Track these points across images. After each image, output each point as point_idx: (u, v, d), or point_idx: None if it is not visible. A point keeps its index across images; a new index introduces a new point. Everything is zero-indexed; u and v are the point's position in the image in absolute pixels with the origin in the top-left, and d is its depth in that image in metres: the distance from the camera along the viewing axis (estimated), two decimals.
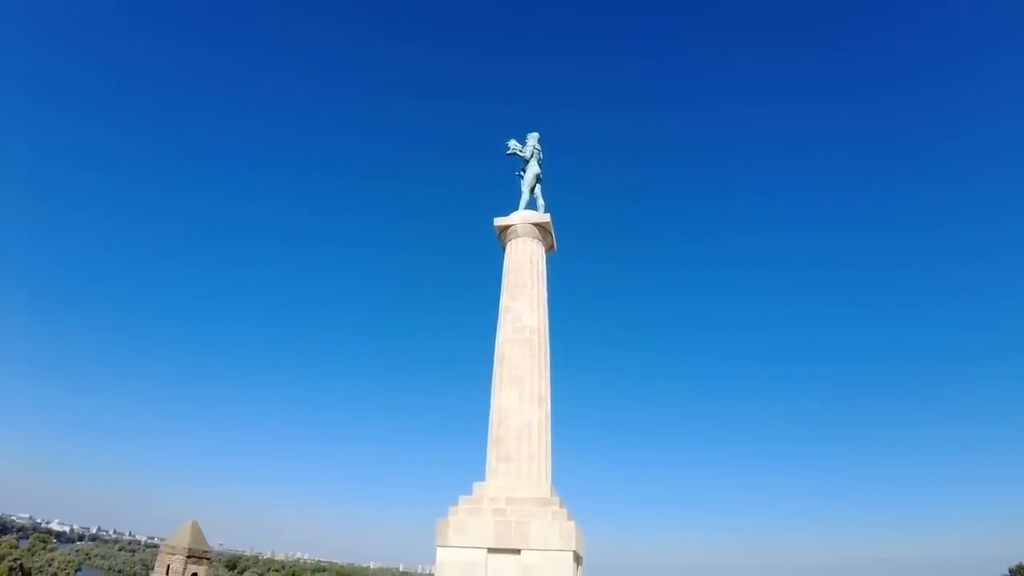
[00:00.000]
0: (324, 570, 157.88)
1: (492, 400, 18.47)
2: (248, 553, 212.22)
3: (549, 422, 18.26)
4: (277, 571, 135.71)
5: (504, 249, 20.80)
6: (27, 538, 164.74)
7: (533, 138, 22.16)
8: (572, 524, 15.90)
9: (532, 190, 21.55)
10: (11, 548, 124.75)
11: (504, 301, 19.59)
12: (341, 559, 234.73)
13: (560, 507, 16.51)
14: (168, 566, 27.37)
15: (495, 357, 19.02)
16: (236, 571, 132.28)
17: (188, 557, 27.48)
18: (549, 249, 21.20)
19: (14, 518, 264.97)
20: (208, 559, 28.91)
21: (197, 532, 28.46)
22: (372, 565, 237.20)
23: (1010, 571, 46.60)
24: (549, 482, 17.42)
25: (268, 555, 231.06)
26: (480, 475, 18.07)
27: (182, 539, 28.05)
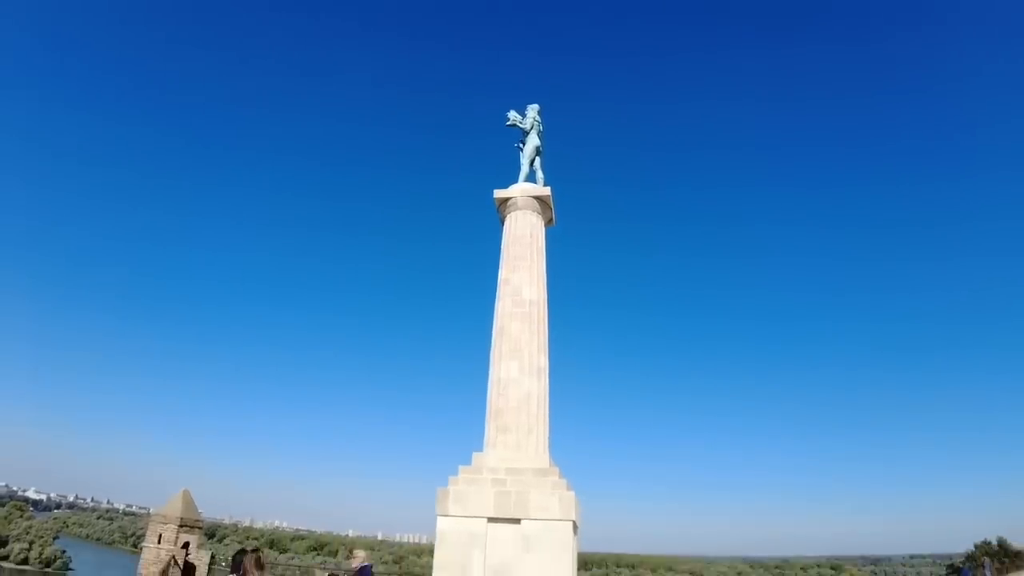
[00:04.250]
0: (303, 538, 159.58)
1: (491, 373, 18.56)
2: (227, 521, 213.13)
3: (547, 394, 18.45)
4: (256, 539, 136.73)
5: (503, 222, 20.70)
6: (3, 506, 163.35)
7: (533, 110, 21.90)
8: (571, 494, 16.20)
9: (532, 163, 21.38)
10: None
11: (503, 274, 19.56)
12: (320, 528, 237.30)
13: (559, 477, 16.79)
14: (160, 535, 27.40)
15: (494, 330, 19.06)
16: (215, 539, 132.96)
17: (180, 526, 27.51)
18: (548, 223, 21.15)
19: None
20: (200, 528, 29.01)
21: (188, 501, 28.46)
22: (351, 533, 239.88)
23: (975, 547, 48.57)
24: (547, 453, 17.67)
25: (247, 523, 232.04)
26: (473, 448, 18.21)
27: (173, 509, 28.03)
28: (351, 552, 12.00)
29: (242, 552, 9.59)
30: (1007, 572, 41.15)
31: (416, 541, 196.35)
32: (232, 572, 9.03)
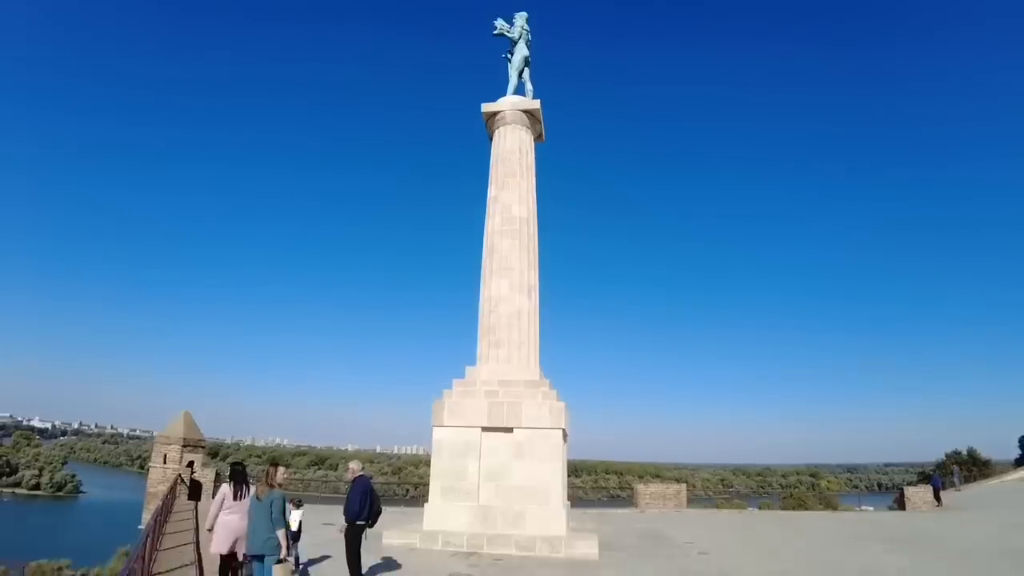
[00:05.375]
0: (304, 454, 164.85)
1: (482, 291, 18.68)
2: (229, 441, 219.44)
3: (537, 310, 18.70)
4: (259, 456, 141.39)
5: (492, 138, 20.24)
6: (9, 436, 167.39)
7: (521, 18, 20.89)
8: (561, 405, 16.71)
9: (520, 74, 20.60)
10: None
11: (492, 191, 19.31)
12: (320, 443, 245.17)
13: (549, 389, 17.28)
14: (165, 456, 28.23)
15: (484, 248, 19.02)
16: (218, 458, 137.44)
17: (184, 446, 28.34)
18: (538, 138, 20.68)
19: None
20: (203, 447, 29.86)
21: (190, 422, 29.18)
22: (350, 448, 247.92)
23: (946, 456, 50.77)
24: (538, 366, 18.12)
25: (249, 442, 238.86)
26: (466, 363, 18.57)
27: (176, 430, 28.77)
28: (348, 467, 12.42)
29: (239, 464, 9.97)
30: (974, 479, 43.41)
31: (413, 452, 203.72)
32: (230, 479, 9.43)
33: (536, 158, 20.28)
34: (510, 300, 18.12)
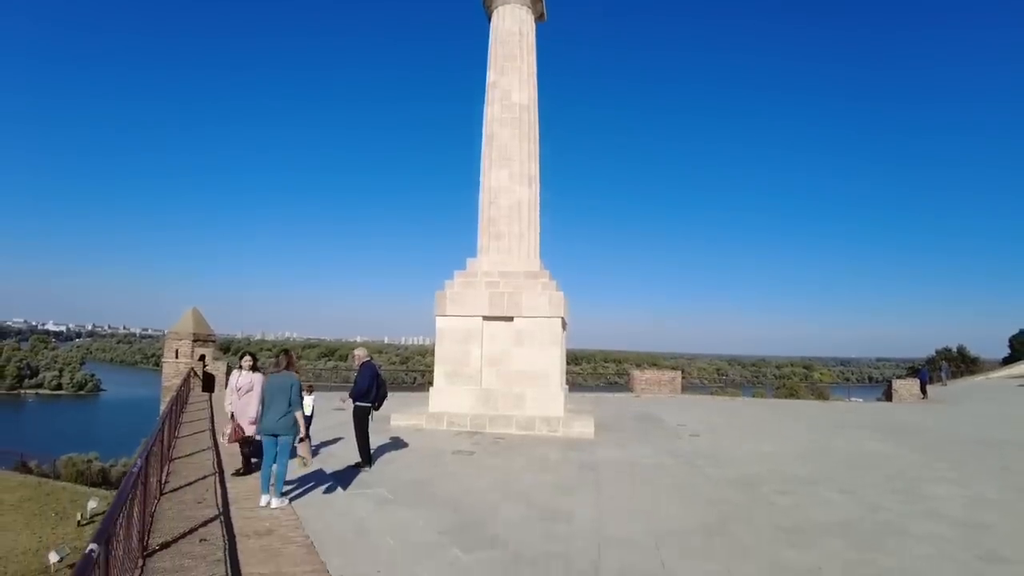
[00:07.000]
0: (314, 347, 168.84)
1: (482, 181, 18.35)
2: (240, 336, 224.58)
3: (538, 201, 18.44)
4: (269, 350, 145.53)
5: (490, 18, 19.09)
6: (27, 340, 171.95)
7: None
8: (560, 295, 16.88)
9: None
10: (14, 351, 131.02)
11: (491, 77, 18.47)
12: (329, 336, 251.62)
13: (549, 279, 17.38)
14: (176, 351, 29.02)
15: (483, 137, 18.47)
16: (230, 353, 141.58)
17: (194, 341, 29.09)
18: (539, 18, 19.48)
19: (9, 323, 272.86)
20: (213, 341, 30.64)
21: (199, 318, 29.78)
22: (359, 339, 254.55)
23: (936, 352, 51.98)
24: (538, 257, 18.14)
25: (259, 337, 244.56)
26: (467, 255, 18.56)
27: (185, 326, 29.41)
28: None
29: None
30: (962, 375, 44.76)
31: (420, 343, 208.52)
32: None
33: (537, 39, 19.23)
34: (510, 191, 17.84)
